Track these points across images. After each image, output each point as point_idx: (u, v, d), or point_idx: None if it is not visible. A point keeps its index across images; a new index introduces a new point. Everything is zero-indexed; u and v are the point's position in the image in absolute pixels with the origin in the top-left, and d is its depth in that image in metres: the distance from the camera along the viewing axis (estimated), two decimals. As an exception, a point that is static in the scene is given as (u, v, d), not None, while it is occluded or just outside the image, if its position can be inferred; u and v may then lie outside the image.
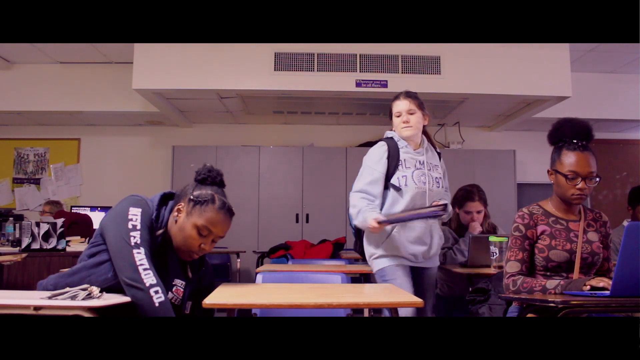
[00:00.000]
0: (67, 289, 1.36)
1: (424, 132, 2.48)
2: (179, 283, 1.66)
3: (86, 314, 1.26)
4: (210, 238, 1.64)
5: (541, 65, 4.57)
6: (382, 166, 2.35)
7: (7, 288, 2.93)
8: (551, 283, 1.78)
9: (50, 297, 1.32)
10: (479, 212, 3.01)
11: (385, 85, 4.51)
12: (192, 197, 1.63)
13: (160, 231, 1.63)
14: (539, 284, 1.79)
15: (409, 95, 2.43)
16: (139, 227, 1.54)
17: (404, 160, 2.36)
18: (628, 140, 6.28)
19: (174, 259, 1.66)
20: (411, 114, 2.38)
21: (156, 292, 1.47)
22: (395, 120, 2.42)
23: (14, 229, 3.89)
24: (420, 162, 2.39)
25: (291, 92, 4.66)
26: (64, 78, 5.28)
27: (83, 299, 1.31)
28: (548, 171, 1.94)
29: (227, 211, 1.65)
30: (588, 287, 1.67)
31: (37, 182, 6.11)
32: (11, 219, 4.05)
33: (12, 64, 5.29)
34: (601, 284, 1.63)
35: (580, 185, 1.83)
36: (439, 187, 2.40)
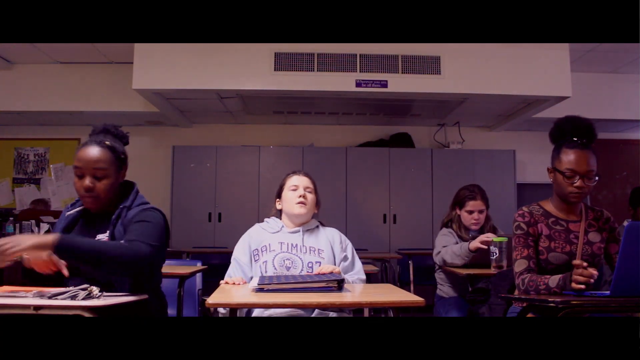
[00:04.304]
0: (67, 288, 1.36)
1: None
2: (102, 236, 1.72)
3: (86, 314, 1.26)
4: (86, 175, 1.71)
5: (541, 65, 4.57)
6: None
7: (7, 288, 2.93)
8: (553, 280, 1.75)
9: (50, 297, 1.32)
10: (481, 211, 2.96)
11: (385, 85, 4.51)
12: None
13: (77, 209, 1.81)
14: (543, 282, 1.77)
15: (309, 175, 2.21)
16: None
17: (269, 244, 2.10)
18: (628, 140, 6.28)
19: (92, 219, 1.78)
20: (309, 192, 2.14)
21: None
22: (288, 194, 2.15)
23: (14, 229, 3.89)
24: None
25: (291, 92, 4.66)
26: (64, 78, 5.27)
27: (83, 299, 1.31)
28: (548, 169, 1.93)
29: (94, 144, 1.74)
30: (580, 285, 1.62)
31: (37, 182, 6.11)
32: (11, 219, 4.05)
33: (12, 64, 5.29)
34: (591, 281, 1.59)
35: (578, 183, 1.81)
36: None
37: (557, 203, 1.94)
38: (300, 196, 2.11)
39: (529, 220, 1.91)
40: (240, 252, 2.10)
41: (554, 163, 1.89)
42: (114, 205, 1.75)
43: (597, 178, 1.83)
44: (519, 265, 1.88)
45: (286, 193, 2.16)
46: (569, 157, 1.83)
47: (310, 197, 2.14)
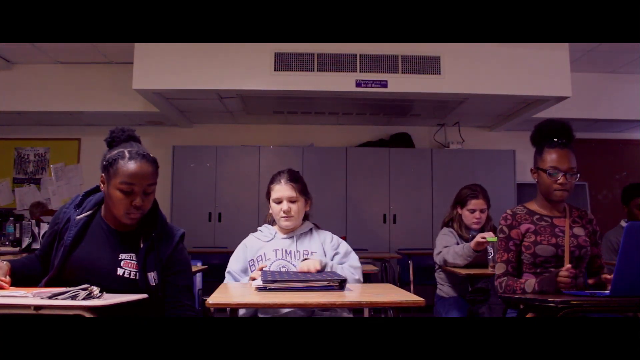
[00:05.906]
0: (68, 288, 1.36)
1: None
2: (127, 257, 1.63)
3: (86, 314, 1.26)
4: (137, 192, 1.58)
5: (541, 65, 4.56)
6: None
7: (7, 288, 2.92)
8: (529, 285, 1.82)
9: (50, 297, 1.32)
10: (482, 210, 2.97)
11: (385, 85, 4.51)
12: (104, 163, 1.63)
13: (85, 213, 1.66)
14: (519, 287, 1.84)
15: (292, 178, 2.13)
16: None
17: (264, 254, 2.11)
18: (628, 140, 6.28)
19: (115, 235, 1.66)
20: (293, 202, 2.10)
21: None
22: (273, 206, 2.13)
23: (14, 229, 3.89)
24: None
25: (291, 92, 4.65)
26: (64, 78, 5.27)
27: (83, 299, 1.31)
28: (531, 170, 2.01)
29: (142, 158, 1.60)
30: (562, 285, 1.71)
31: (37, 182, 6.11)
32: (11, 219, 4.05)
33: (12, 64, 5.28)
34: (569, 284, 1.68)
35: (561, 180, 1.89)
36: None
37: (542, 203, 2.00)
38: (283, 211, 2.09)
39: (511, 222, 1.97)
40: (234, 263, 2.11)
41: (537, 163, 1.98)
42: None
43: (578, 175, 1.91)
44: (499, 269, 1.95)
45: (272, 203, 2.15)
46: (551, 156, 1.92)
47: (295, 207, 2.10)
